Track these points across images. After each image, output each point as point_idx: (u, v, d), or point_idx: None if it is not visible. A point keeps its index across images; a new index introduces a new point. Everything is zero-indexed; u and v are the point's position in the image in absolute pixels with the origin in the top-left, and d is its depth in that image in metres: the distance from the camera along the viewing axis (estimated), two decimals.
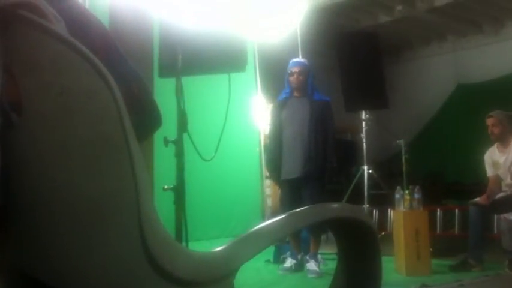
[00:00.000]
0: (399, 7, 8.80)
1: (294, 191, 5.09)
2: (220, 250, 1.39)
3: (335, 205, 1.83)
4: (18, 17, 1.12)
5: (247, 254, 1.43)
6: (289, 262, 5.11)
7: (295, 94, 5.27)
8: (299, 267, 5.11)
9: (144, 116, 1.38)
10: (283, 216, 1.58)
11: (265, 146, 5.80)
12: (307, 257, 5.04)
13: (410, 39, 11.06)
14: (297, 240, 5.17)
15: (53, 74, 1.14)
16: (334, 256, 4.87)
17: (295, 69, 5.25)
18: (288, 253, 5.19)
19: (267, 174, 5.65)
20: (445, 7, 8.81)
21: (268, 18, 6.42)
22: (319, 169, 5.05)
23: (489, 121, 5.40)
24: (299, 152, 5.07)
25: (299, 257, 5.14)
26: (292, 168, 5.09)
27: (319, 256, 5.08)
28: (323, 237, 5.49)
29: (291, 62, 5.39)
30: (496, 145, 5.45)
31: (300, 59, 5.58)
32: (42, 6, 1.18)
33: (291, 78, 5.24)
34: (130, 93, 1.30)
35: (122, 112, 1.16)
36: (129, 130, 1.18)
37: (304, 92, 5.25)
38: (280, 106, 5.32)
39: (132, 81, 1.37)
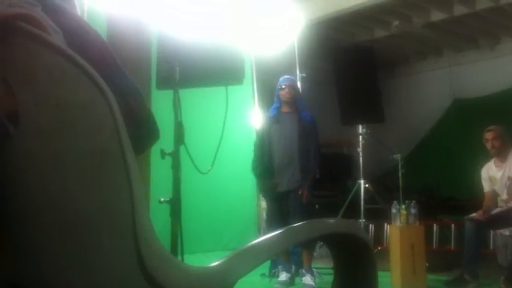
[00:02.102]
0: (396, 22, 8.85)
1: (281, 204, 5.15)
2: (217, 265, 1.38)
3: (331, 221, 1.83)
4: (16, 28, 1.12)
5: (244, 269, 1.42)
6: (284, 276, 5.11)
7: (285, 110, 5.34)
8: (293, 280, 5.14)
9: (142, 129, 1.37)
10: (280, 231, 1.57)
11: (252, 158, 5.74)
12: (303, 271, 5.04)
13: (406, 54, 11.12)
14: (287, 253, 5.18)
15: (50, 86, 1.14)
16: (330, 270, 4.87)
17: (286, 84, 5.34)
18: (280, 267, 5.19)
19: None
20: (441, 23, 8.86)
21: (265, 31, 6.45)
22: (304, 183, 5.09)
23: (489, 135, 5.39)
24: (287, 166, 5.16)
25: (292, 270, 5.15)
26: (280, 182, 5.16)
27: (314, 270, 5.07)
28: (318, 251, 5.49)
29: (281, 78, 5.48)
30: (493, 160, 5.46)
31: (290, 76, 5.65)
32: (40, 18, 1.18)
33: (282, 92, 5.32)
34: (128, 106, 1.29)
35: (118, 125, 1.16)
36: (125, 143, 1.18)
37: (294, 107, 5.33)
38: (271, 121, 5.38)
39: (129, 94, 1.36)
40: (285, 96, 5.30)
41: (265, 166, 5.25)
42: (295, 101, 5.33)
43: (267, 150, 5.28)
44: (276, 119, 5.34)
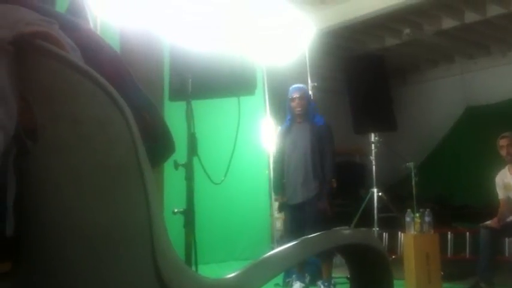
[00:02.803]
0: (407, 30, 8.84)
1: (297, 216, 5.10)
2: (232, 277, 1.39)
3: (347, 231, 1.83)
4: (35, 46, 1.14)
5: (259, 281, 1.42)
6: (297, 286, 5.08)
7: (298, 120, 5.30)
8: None
9: (157, 143, 1.39)
10: (295, 242, 1.57)
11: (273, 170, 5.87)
12: (320, 283, 5.00)
13: (418, 62, 11.09)
14: (301, 263, 5.14)
15: (68, 102, 1.16)
16: (345, 280, 4.86)
17: (296, 95, 5.27)
18: (294, 276, 5.16)
19: (276, 197, 5.67)
20: (452, 30, 8.84)
21: (276, 41, 6.47)
22: (320, 193, 5.05)
23: (504, 141, 5.36)
24: (301, 177, 5.11)
25: (306, 280, 5.12)
26: (295, 193, 5.13)
27: (332, 281, 5.02)
28: (333, 260, 5.45)
29: (291, 88, 5.39)
30: (507, 167, 5.42)
31: (300, 85, 5.60)
32: (58, 35, 1.20)
33: (293, 104, 5.26)
34: (143, 120, 1.31)
35: (135, 140, 1.17)
36: (142, 156, 1.19)
37: (306, 116, 5.27)
38: (284, 133, 5.37)
39: (144, 108, 1.37)
40: (296, 109, 5.25)
41: (280, 179, 5.29)
42: (306, 110, 5.28)
43: (280, 164, 5.30)
44: (288, 131, 5.33)
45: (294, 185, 5.14)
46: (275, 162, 5.56)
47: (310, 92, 5.86)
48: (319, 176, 5.09)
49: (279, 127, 5.89)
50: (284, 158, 5.28)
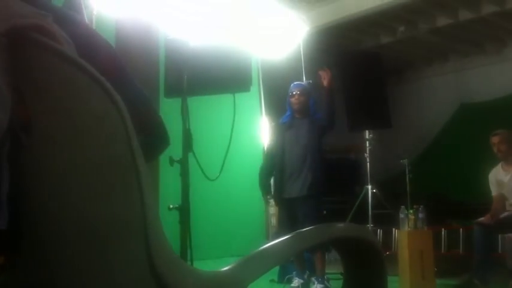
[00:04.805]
0: (401, 28, 8.87)
1: (292, 210, 5.11)
2: (227, 270, 1.39)
3: (340, 225, 1.83)
4: (30, 39, 1.13)
5: (254, 274, 1.43)
6: (296, 282, 5.10)
7: (297, 116, 5.31)
8: (305, 286, 5.10)
9: (152, 137, 1.39)
10: (289, 236, 1.58)
11: (261, 165, 5.82)
12: (314, 279, 5.01)
13: (412, 60, 11.12)
14: (301, 259, 5.16)
15: (62, 96, 1.15)
16: (340, 276, 4.87)
17: (296, 91, 5.31)
18: (294, 273, 5.18)
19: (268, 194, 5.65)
20: (447, 28, 8.87)
21: (270, 37, 6.48)
22: (316, 189, 5.08)
23: (495, 139, 5.39)
24: (299, 172, 5.12)
25: (305, 276, 5.13)
26: (291, 188, 5.13)
27: (326, 278, 5.01)
28: (327, 256, 5.46)
29: (292, 84, 5.46)
30: (500, 164, 5.45)
31: (301, 82, 5.64)
32: (53, 28, 1.20)
33: (292, 99, 5.29)
34: (138, 115, 1.31)
35: (130, 134, 1.17)
36: (137, 151, 1.19)
37: (306, 113, 5.29)
38: (283, 129, 5.37)
39: (139, 102, 1.38)
40: (295, 104, 5.27)
41: (276, 174, 5.25)
42: (306, 106, 5.30)
43: (279, 159, 5.27)
44: (288, 126, 5.32)
45: (292, 180, 5.13)
46: (266, 160, 5.52)
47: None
48: (317, 172, 5.10)
49: (274, 123, 5.88)
50: (279, 153, 5.27)
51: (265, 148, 6.50)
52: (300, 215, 5.01)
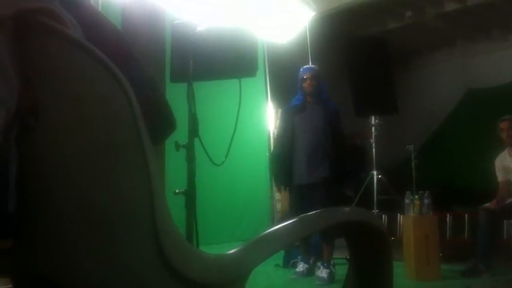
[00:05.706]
0: (408, 13, 8.81)
1: (304, 197, 5.08)
2: (233, 253, 1.40)
3: (346, 209, 1.84)
4: (36, 22, 1.13)
5: (260, 258, 1.43)
6: (301, 266, 5.10)
7: (309, 100, 5.26)
8: (310, 271, 5.10)
9: (159, 121, 1.39)
10: (294, 220, 1.58)
11: (273, 150, 5.78)
12: (319, 264, 4.99)
13: (419, 45, 11.06)
14: (306, 244, 5.16)
15: (69, 80, 1.15)
16: (345, 261, 4.88)
17: (308, 75, 5.25)
18: (299, 257, 5.19)
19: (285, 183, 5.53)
20: (454, 13, 8.82)
21: (278, 23, 6.46)
22: (330, 175, 5.04)
23: (504, 124, 5.37)
24: (312, 157, 5.07)
25: (310, 261, 5.13)
26: (304, 173, 5.08)
27: (332, 264, 4.99)
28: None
29: (302, 68, 5.39)
30: (507, 150, 5.44)
31: (311, 65, 5.58)
32: (59, 12, 1.19)
33: (304, 84, 5.24)
34: (145, 98, 1.31)
35: (137, 117, 1.17)
36: (144, 135, 1.19)
37: (318, 98, 5.25)
38: (294, 112, 5.30)
39: (146, 86, 1.38)
40: (308, 88, 5.22)
41: (289, 159, 5.16)
42: (318, 90, 5.25)
43: (288, 141, 5.20)
44: (300, 109, 5.25)
45: (304, 166, 5.08)
46: (281, 144, 5.40)
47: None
48: (332, 159, 5.07)
49: (280, 109, 5.84)
50: (289, 137, 5.21)
51: (275, 134, 6.44)
52: (313, 201, 4.96)
